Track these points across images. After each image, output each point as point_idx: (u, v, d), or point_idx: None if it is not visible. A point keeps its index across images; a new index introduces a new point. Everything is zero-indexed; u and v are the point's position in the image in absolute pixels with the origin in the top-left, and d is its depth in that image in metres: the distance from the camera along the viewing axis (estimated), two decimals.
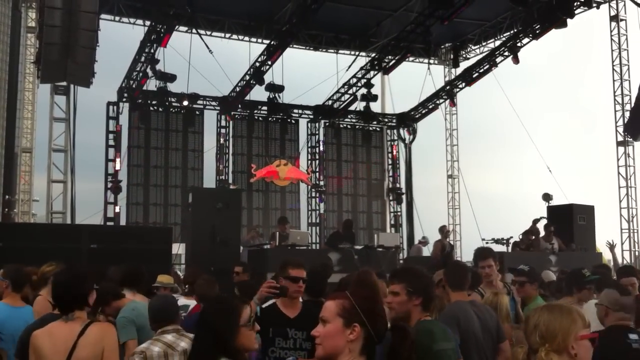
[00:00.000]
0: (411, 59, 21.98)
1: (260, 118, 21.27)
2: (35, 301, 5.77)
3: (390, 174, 23.28)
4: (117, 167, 18.41)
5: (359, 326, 2.51)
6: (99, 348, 3.78)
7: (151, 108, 19.59)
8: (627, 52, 19.97)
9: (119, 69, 18.97)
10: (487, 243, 14.74)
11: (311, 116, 22.14)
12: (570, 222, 15.73)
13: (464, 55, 22.90)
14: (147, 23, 17.73)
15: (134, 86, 18.64)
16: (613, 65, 19.99)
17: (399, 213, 22.90)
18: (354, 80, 20.87)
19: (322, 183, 21.76)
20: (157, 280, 7.03)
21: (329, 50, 22.23)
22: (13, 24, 18.72)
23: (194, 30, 18.56)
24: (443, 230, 15.60)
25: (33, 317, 5.24)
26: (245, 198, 19.04)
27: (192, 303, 6.74)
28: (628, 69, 19.88)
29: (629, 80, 19.81)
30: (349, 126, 22.78)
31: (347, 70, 20.72)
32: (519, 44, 18.65)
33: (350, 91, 21.28)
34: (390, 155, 23.35)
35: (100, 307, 5.42)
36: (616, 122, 19.94)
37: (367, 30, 21.08)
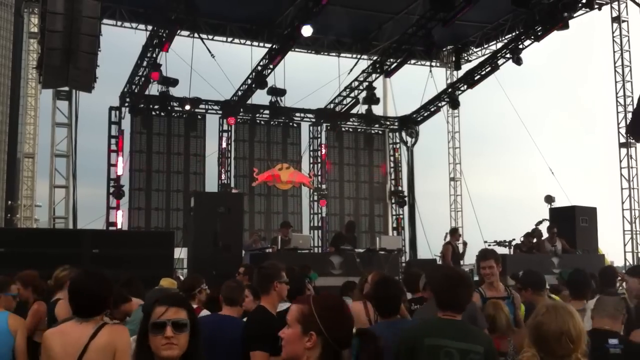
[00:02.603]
0: (413, 61, 21.99)
1: (262, 122, 21.28)
2: (58, 304, 5.76)
3: (392, 177, 23.27)
4: (119, 172, 18.42)
5: (315, 334, 2.43)
6: (110, 351, 3.74)
7: (153, 113, 19.60)
8: (629, 54, 19.97)
9: (121, 73, 19.03)
10: (489, 245, 14.73)
11: (313, 119, 22.14)
12: (572, 223, 15.71)
13: (466, 58, 22.89)
14: (149, 28, 17.78)
15: (136, 91, 18.66)
16: (615, 67, 19.99)
17: (401, 216, 22.88)
18: (356, 83, 20.90)
19: (324, 186, 21.76)
20: (159, 284, 7.02)
21: (330, 54, 22.27)
22: (15, 30, 18.82)
23: (195, 35, 18.58)
24: (454, 233, 15.46)
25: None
26: (247, 202, 19.02)
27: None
28: (630, 70, 19.89)
29: (631, 82, 19.83)
30: (351, 129, 22.78)
31: (348, 73, 20.78)
32: (520, 46, 18.67)
33: (352, 94, 21.32)
34: (392, 158, 23.35)
35: (109, 310, 5.46)
36: (618, 124, 19.93)
37: (369, 33, 21.11)
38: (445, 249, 14.83)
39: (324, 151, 21.94)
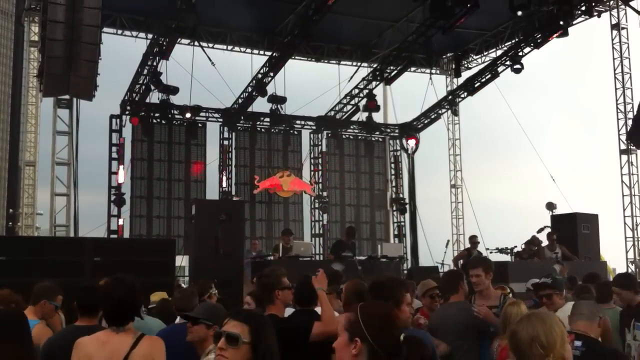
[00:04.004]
0: (413, 69, 22.02)
1: (262, 129, 21.30)
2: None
3: (393, 184, 23.26)
4: (121, 180, 18.43)
5: (359, 341, 2.45)
6: None
7: (154, 121, 19.63)
8: (629, 61, 20.00)
9: (122, 82, 19.06)
10: (491, 253, 14.76)
11: (314, 127, 22.17)
12: (574, 230, 15.70)
13: (466, 65, 22.92)
14: (150, 36, 17.83)
15: (136, 99, 18.70)
16: (615, 74, 20.01)
17: (402, 223, 22.85)
18: (356, 90, 20.93)
19: (325, 194, 21.75)
20: (151, 300, 6.84)
21: (331, 62, 22.31)
22: (16, 38, 18.82)
23: (196, 43, 18.64)
24: (470, 240, 15.50)
25: None
26: (248, 209, 19.03)
27: None
28: (630, 77, 19.91)
29: (631, 89, 19.85)
30: (351, 137, 22.80)
31: (349, 81, 20.85)
32: (520, 54, 18.69)
33: (353, 102, 21.35)
34: (392, 165, 23.35)
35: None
36: (619, 130, 19.94)
37: (369, 41, 21.17)
38: (461, 253, 15.03)
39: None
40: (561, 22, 16.73)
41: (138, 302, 4.03)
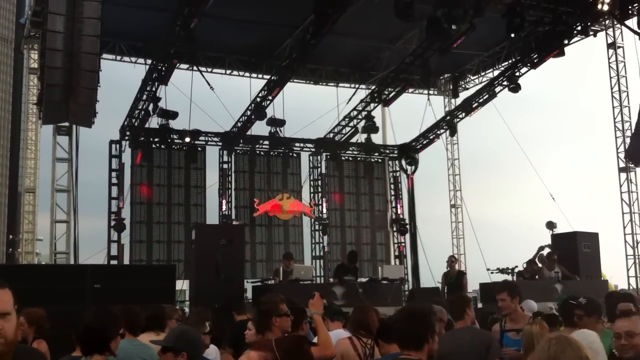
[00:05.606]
0: (411, 90, 22.10)
1: (262, 152, 21.32)
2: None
3: (393, 205, 23.25)
4: (120, 205, 18.43)
5: None
6: None
7: (153, 145, 19.66)
8: (626, 79, 20.07)
9: (121, 107, 19.14)
10: (492, 273, 14.78)
11: (313, 149, 22.19)
12: (574, 249, 15.68)
13: (463, 86, 23.04)
14: (149, 62, 17.92)
15: (136, 124, 18.75)
16: (612, 92, 20.08)
17: (403, 244, 22.81)
18: (355, 112, 21.01)
19: (325, 215, 21.73)
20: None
21: (329, 84, 22.40)
22: (15, 66, 18.99)
23: (195, 68, 18.73)
24: (448, 260, 15.59)
25: None
26: (248, 233, 19.01)
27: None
28: (627, 95, 19.96)
29: (629, 107, 19.88)
30: (350, 158, 22.83)
31: (347, 103, 20.93)
32: (517, 74, 18.77)
33: (351, 124, 21.41)
34: (392, 186, 23.35)
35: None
36: (617, 149, 19.96)
37: (367, 63, 21.27)
38: (443, 280, 15.22)
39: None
40: (563, 41, 16.80)
41: (107, 335, 3.82)
